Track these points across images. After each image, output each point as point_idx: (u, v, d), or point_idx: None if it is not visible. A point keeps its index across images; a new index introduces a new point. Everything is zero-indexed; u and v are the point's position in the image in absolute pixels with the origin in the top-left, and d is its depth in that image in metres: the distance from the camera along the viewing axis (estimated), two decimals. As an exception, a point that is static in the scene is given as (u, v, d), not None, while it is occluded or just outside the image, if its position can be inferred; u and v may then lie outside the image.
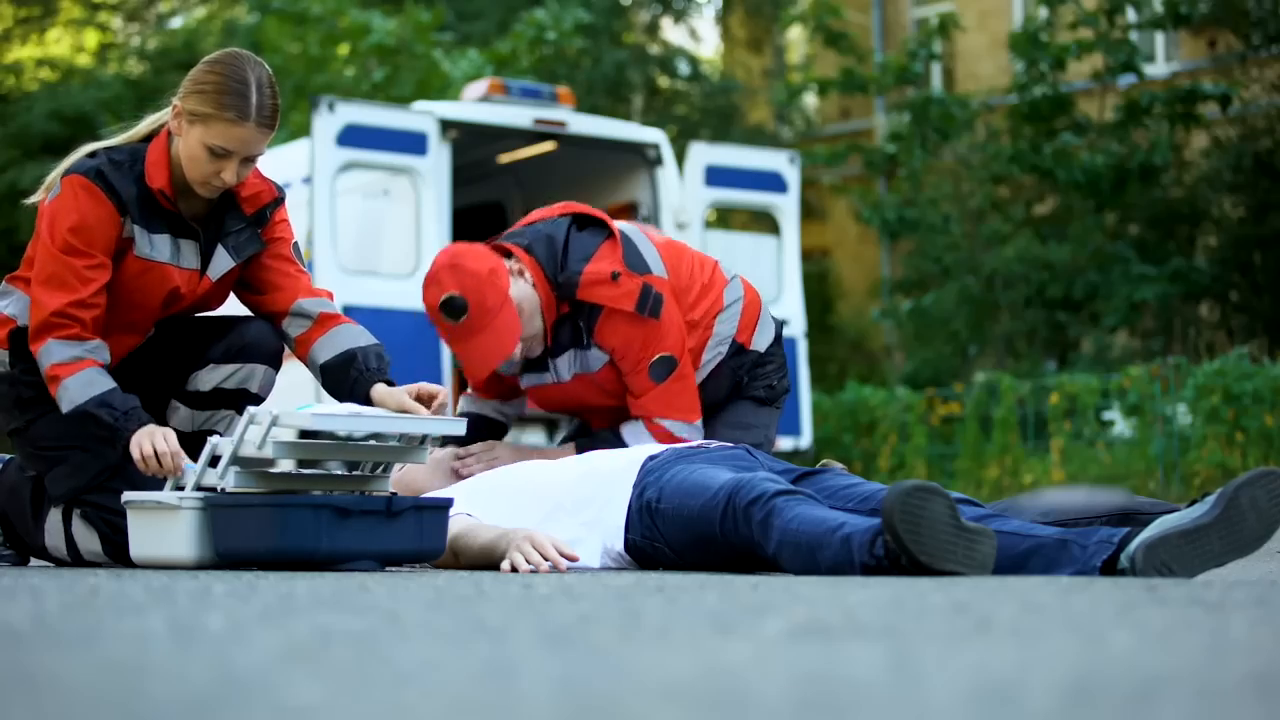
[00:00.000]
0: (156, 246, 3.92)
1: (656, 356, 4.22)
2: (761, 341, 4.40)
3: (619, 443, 4.25)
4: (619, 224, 4.32)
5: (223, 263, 4.01)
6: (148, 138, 3.98)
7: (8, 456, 4.23)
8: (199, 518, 3.56)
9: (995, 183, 17.37)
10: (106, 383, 3.81)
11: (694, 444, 3.92)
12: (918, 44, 18.05)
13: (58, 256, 3.84)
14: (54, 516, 4.02)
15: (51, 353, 3.82)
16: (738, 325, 4.35)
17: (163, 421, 4.06)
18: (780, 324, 4.50)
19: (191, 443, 4.02)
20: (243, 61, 3.87)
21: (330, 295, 4.14)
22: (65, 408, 3.80)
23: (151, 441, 3.73)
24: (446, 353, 10.28)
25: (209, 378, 4.02)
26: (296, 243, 4.17)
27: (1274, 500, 3.20)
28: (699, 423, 4.31)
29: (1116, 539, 3.20)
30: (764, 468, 3.75)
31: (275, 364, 4.11)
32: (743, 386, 4.40)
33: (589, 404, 4.37)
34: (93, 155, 3.92)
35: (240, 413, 4.02)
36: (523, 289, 4.18)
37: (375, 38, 18.21)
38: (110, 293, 3.91)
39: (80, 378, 3.80)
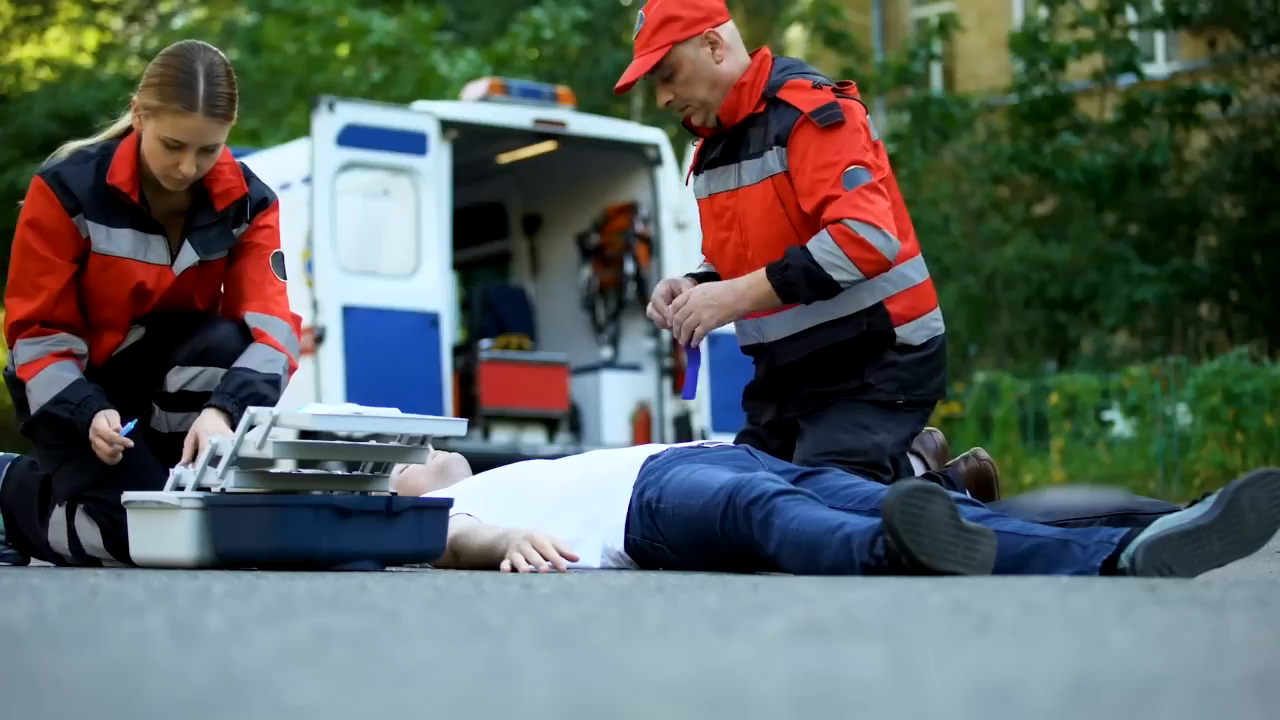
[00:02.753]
0: (116, 241, 3.94)
1: (850, 166, 4.00)
2: (909, 335, 4.13)
3: (806, 258, 3.99)
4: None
5: (188, 257, 4.01)
6: (124, 134, 4.00)
7: (14, 455, 4.26)
8: (199, 518, 3.56)
9: (995, 183, 17.37)
10: (65, 377, 3.88)
11: (693, 444, 3.91)
12: (918, 44, 18.05)
13: (16, 262, 3.93)
14: (58, 511, 4.04)
15: (19, 354, 3.92)
16: (897, 294, 4.12)
17: (146, 422, 4.06)
18: (943, 338, 4.23)
19: (170, 444, 4.01)
20: (193, 52, 3.87)
21: (291, 319, 4.06)
22: (32, 410, 3.90)
23: (96, 439, 3.82)
24: (446, 353, 10.29)
25: (175, 380, 4.01)
26: (280, 253, 4.13)
27: (1274, 500, 3.20)
28: (894, 238, 3.96)
29: (1117, 539, 3.20)
30: (764, 468, 3.75)
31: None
32: (869, 383, 4.10)
33: (747, 229, 4.14)
34: (69, 154, 3.96)
35: None
36: (703, 55, 4.15)
37: (375, 38, 18.22)
38: (83, 292, 3.95)
39: (40, 378, 3.89)
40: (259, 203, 4.09)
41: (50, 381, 3.87)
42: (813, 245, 3.97)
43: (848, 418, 4.09)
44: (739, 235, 4.17)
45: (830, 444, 4.05)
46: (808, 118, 4.04)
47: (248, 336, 4.00)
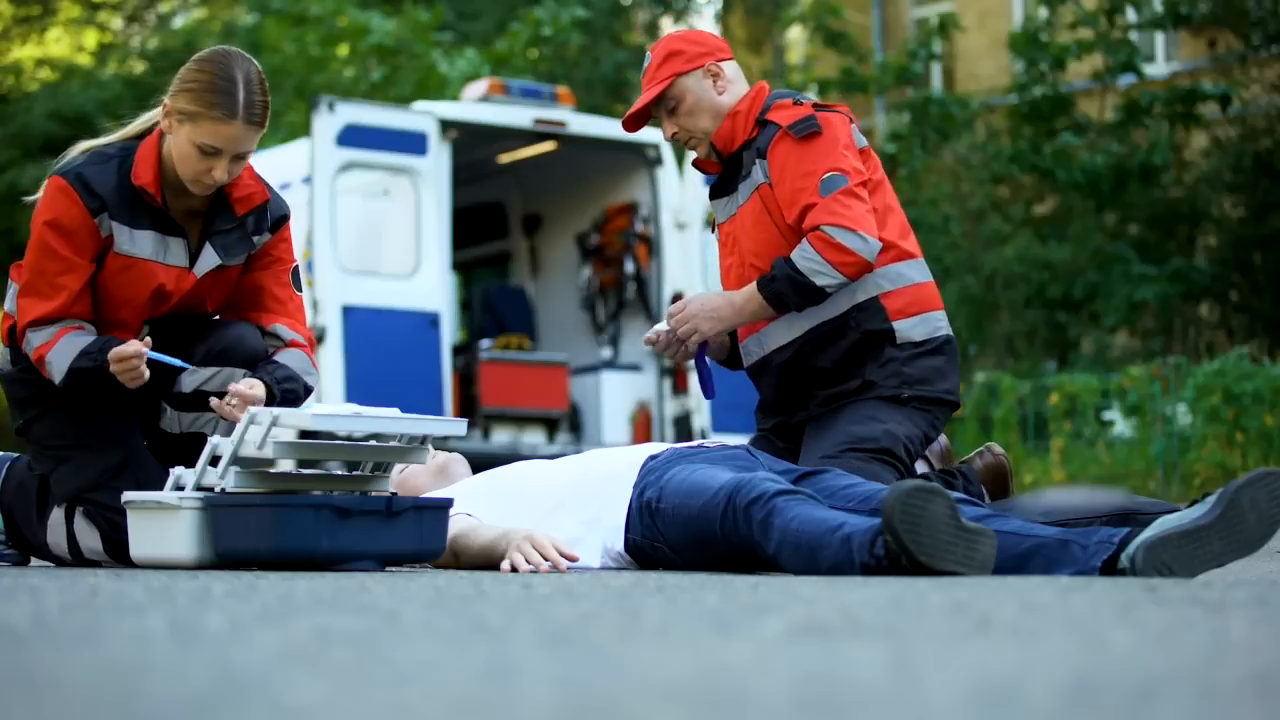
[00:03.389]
0: (138, 242, 3.94)
1: (826, 173, 4.06)
2: (909, 330, 4.15)
3: (789, 268, 4.04)
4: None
5: (209, 260, 4.01)
6: (142, 135, 4.00)
7: (14, 455, 4.25)
8: (199, 518, 3.56)
9: (995, 183, 17.37)
10: (83, 340, 3.88)
11: (693, 444, 3.91)
12: (918, 44, 18.06)
13: (34, 262, 3.92)
14: (57, 513, 4.03)
15: (32, 342, 3.90)
16: (893, 290, 4.14)
17: (155, 423, 4.07)
18: (949, 339, 4.22)
19: (181, 444, 4.01)
20: (231, 59, 3.89)
21: (311, 338, 4.13)
22: (58, 379, 3.87)
23: (114, 367, 3.79)
24: (446, 353, 10.29)
25: (191, 380, 4.01)
26: (297, 266, 4.18)
27: (1274, 500, 3.20)
28: (872, 238, 4.01)
29: (1117, 539, 3.20)
30: (764, 467, 3.75)
31: (255, 367, 4.10)
32: (871, 380, 4.11)
33: (744, 249, 4.19)
34: (84, 153, 3.95)
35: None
36: (705, 86, 4.23)
37: (375, 38, 18.22)
38: (99, 293, 3.94)
39: (59, 348, 3.87)
40: (279, 216, 4.11)
41: (70, 346, 3.87)
42: (795, 254, 4.07)
43: (857, 413, 4.12)
44: (738, 258, 4.26)
45: (843, 437, 4.07)
46: (785, 130, 4.13)
47: (262, 337, 4.04)
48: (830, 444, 4.07)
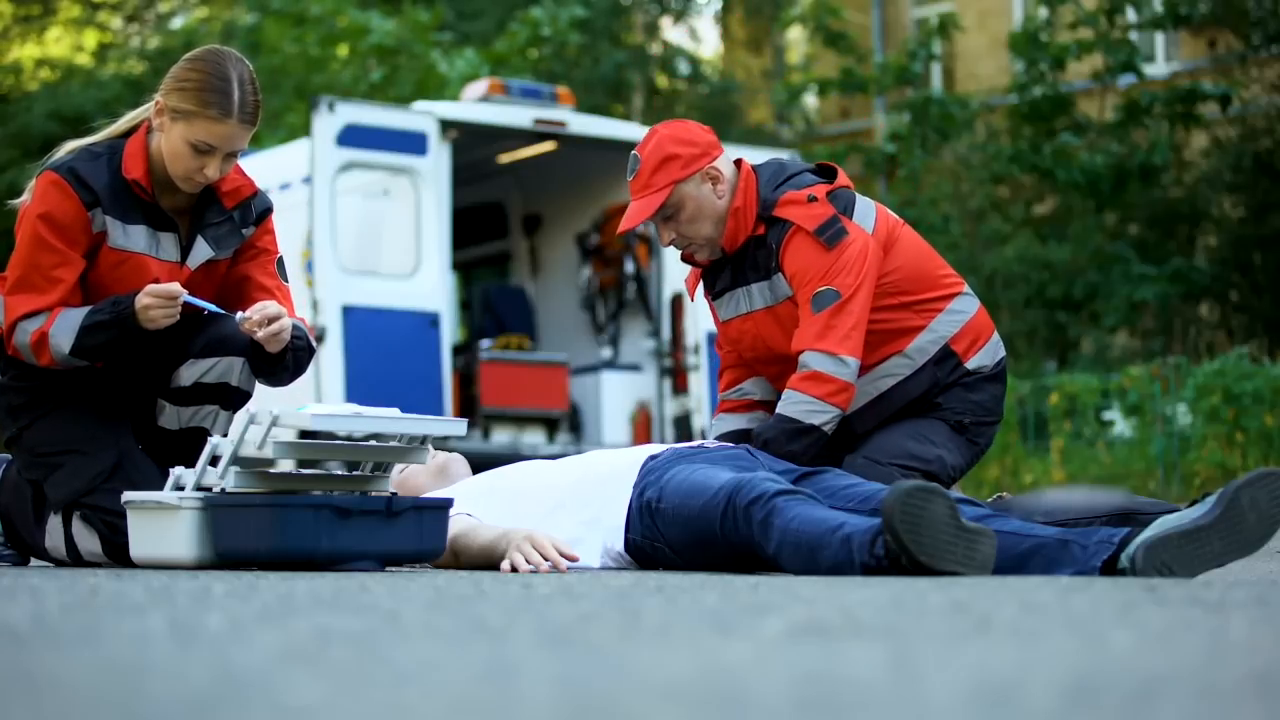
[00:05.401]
0: (131, 237, 3.94)
1: (821, 288, 3.97)
2: (979, 361, 4.14)
3: (783, 424, 3.95)
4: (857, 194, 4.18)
5: (201, 253, 4.02)
6: (128, 133, 4.01)
7: (9, 457, 4.24)
8: (199, 518, 3.56)
9: (995, 183, 17.38)
10: (81, 309, 3.88)
11: (693, 444, 3.91)
12: (917, 44, 18.07)
13: (26, 257, 3.90)
14: (54, 519, 4.02)
15: (27, 329, 3.89)
16: (957, 332, 4.11)
17: (152, 421, 4.06)
18: (1003, 363, 4.21)
19: (181, 440, 4.01)
20: (224, 59, 3.91)
21: (306, 322, 4.11)
22: (66, 347, 3.86)
23: (149, 300, 3.80)
24: (446, 353, 10.29)
25: (189, 373, 4.01)
26: (281, 257, 4.18)
27: (1274, 500, 3.20)
28: (851, 359, 3.94)
29: (1117, 539, 3.20)
30: (764, 468, 3.75)
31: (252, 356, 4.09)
32: (938, 402, 4.10)
33: (774, 348, 4.12)
34: (70, 152, 3.96)
35: (225, 407, 4.03)
36: (705, 191, 4.06)
37: (374, 38, 18.23)
38: (90, 290, 3.93)
39: (60, 320, 3.87)
40: (264, 209, 4.12)
41: (74, 313, 3.88)
42: (782, 408, 3.98)
43: (915, 429, 4.10)
44: (766, 352, 4.16)
45: (897, 451, 4.04)
46: (800, 229, 4.01)
47: None
48: (882, 452, 4.04)
